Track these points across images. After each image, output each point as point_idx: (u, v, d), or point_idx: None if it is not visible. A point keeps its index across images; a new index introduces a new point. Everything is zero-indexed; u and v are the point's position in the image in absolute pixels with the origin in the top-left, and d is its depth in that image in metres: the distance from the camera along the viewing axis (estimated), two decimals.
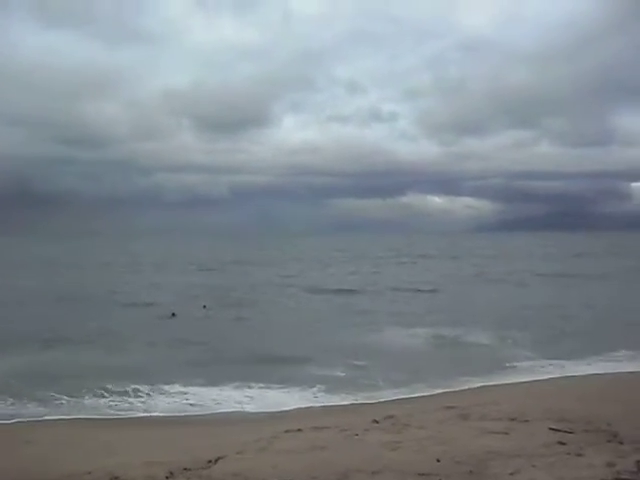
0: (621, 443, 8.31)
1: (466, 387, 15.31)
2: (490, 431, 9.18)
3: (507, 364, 17.74)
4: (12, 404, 13.79)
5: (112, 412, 13.40)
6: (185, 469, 7.73)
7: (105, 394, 14.54)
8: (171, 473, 7.61)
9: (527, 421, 9.81)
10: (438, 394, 14.49)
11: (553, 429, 9.12)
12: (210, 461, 7.99)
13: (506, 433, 9.06)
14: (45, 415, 13.18)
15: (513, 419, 9.98)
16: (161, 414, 13.18)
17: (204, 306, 30.27)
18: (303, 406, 13.75)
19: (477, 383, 15.78)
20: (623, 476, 6.81)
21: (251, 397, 14.47)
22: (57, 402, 14.07)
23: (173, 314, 28.27)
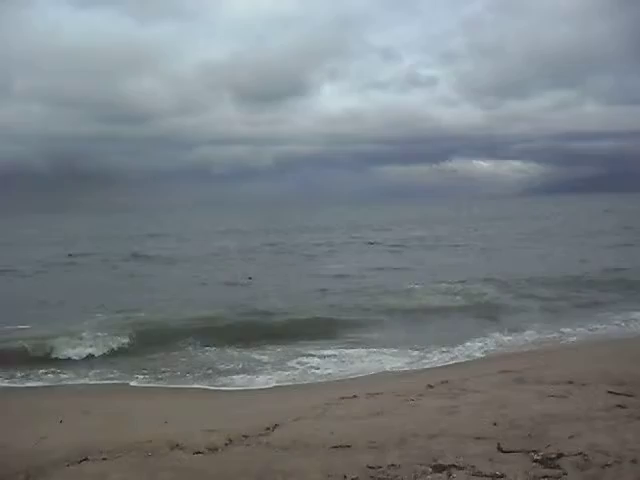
0: None
1: (519, 350, 15.25)
2: (547, 394, 9.07)
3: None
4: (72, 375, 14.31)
5: (168, 382, 13.74)
6: (244, 436, 7.83)
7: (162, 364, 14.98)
8: (230, 440, 7.72)
9: (585, 384, 9.65)
10: (492, 358, 14.44)
11: (612, 392, 8.96)
12: (268, 428, 8.08)
13: (564, 397, 8.93)
14: (100, 386, 13.67)
15: (570, 382, 9.84)
16: (213, 386, 13.42)
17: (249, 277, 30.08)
18: (356, 372, 13.92)
19: (528, 346, 15.77)
20: None
21: (305, 364, 14.69)
22: (116, 373, 14.52)
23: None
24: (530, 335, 16.94)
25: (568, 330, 17.38)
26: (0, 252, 47.56)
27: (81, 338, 16.31)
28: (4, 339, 16.75)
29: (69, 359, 15.42)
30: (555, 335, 16.94)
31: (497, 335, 16.89)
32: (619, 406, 8.21)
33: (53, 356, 15.45)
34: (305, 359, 15.11)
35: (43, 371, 14.42)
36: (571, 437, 6.97)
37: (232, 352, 15.87)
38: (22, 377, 14.05)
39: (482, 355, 15.06)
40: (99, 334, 16.69)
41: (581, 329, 17.60)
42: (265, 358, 15.31)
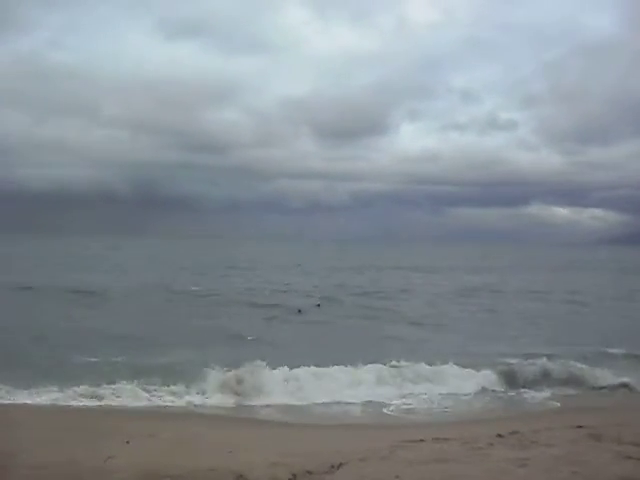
0: None
1: (595, 405, 14.67)
2: (626, 455, 8.60)
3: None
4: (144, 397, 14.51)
5: (234, 411, 13.79)
6: (308, 472, 7.77)
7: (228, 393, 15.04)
8: (294, 475, 7.66)
9: None
10: (565, 411, 13.94)
11: None
12: (333, 466, 7.99)
13: None
14: (169, 410, 13.76)
15: None
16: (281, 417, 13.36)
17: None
18: (424, 415, 13.69)
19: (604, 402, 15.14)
20: None
21: (370, 403, 14.55)
22: (182, 398, 14.64)
23: (299, 310, 30.17)
24: (606, 391, 16.31)
25: None
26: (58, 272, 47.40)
27: None
28: None
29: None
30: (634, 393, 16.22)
31: (570, 387, 16.32)
32: None
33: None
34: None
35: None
36: None
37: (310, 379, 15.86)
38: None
39: (555, 405, 14.57)
40: None
41: None
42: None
